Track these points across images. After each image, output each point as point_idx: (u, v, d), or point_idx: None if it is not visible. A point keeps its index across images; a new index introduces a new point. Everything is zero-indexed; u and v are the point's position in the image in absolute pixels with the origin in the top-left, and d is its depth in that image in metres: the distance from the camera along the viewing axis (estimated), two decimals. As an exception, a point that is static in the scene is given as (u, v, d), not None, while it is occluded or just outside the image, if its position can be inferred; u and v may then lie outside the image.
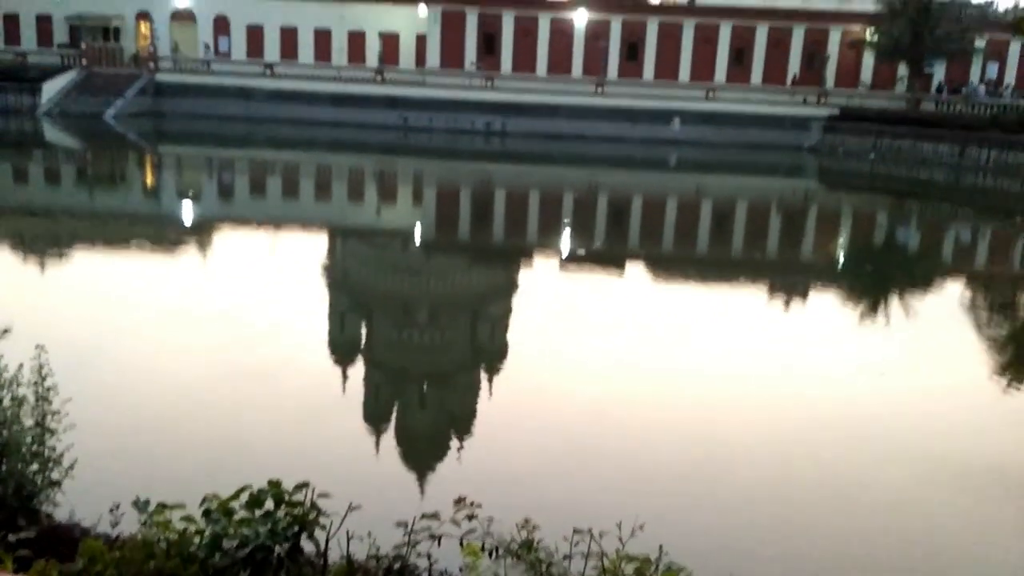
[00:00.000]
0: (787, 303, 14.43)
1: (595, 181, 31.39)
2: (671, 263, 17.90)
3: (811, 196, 31.16)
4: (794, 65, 46.40)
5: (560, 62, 46.30)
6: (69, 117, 38.83)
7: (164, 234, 17.77)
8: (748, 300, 14.48)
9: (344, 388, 9.12)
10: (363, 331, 11.89)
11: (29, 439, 4.36)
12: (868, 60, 45.08)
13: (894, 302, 15.04)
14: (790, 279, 16.51)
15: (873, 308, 14.19)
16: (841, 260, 19.37)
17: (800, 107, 42.42)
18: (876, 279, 16.94)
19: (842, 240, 22.20)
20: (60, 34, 47.24)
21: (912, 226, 25.30)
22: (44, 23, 47.42)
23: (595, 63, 45.17)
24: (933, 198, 30.91)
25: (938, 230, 24.98)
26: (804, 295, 15.21)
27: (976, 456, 7.99)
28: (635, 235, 21.24)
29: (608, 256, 18.02)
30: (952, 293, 16.22)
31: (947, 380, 10.34)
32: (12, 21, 47.36)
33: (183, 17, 47.67)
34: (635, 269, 17.30)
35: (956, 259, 20.33)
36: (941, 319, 13.52)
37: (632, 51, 46.59)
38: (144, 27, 47.45)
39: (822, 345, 11.57)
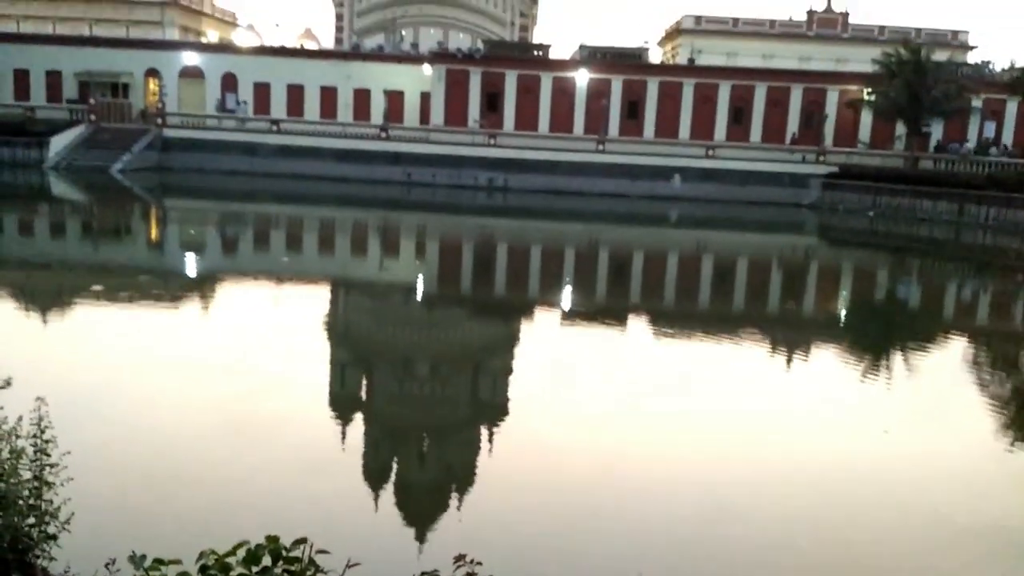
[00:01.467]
0: (789, 359, 14.39)
1: (596, 236, 31.57)
2: (673, 318, 17.89)
3: (812, 252, 31.29)
4: (793, 124, 47.05)
5: (562, 120, 46.96)
6: (76, 171, 39.28)
7: (167, 286, 17.82)
8: (750, 355, 14.44)
9: (344, 442, 9.05)
10: (363, 385, 11.84)
11: (26, 492, 4.32)
12: (866, 119, 45.70)
13: (896, 358, 14.99)
14: (792, 334, 16.49)
15: (875, 364, 14.14)
16: (843, 316, 19.36)
17: (799, 165, 42.93)
18: (878, 335, 16.91)
19: (844, 296, 22.22)
20: (70, 89, 48.03)
21: (913, 283, 25.34)
22: (54, 78, 48.25)
23: (596, 121, 45.80)
24: (934, 255, 31.03)
25: (939, 287, 25.01)
26: (806, 351, 15.18)
27: (981, 515, 7.88)
28: (636, 290, 21.28)
29: (609, 310, 18.03)
30: (955, 350, 16.17)
31: (951, 438, 10.25)
32: (22, 76, 48.19)
33: (191, 74, 48.53)
34: (637, 323, 17.29)
35: (958, 316, 20.31)
36: (944, 376, 13.46)
37: (633, 109, 47.28)
38: (153, 83, 48.29)
39: (825, 401, 11.50)
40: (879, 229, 35.90)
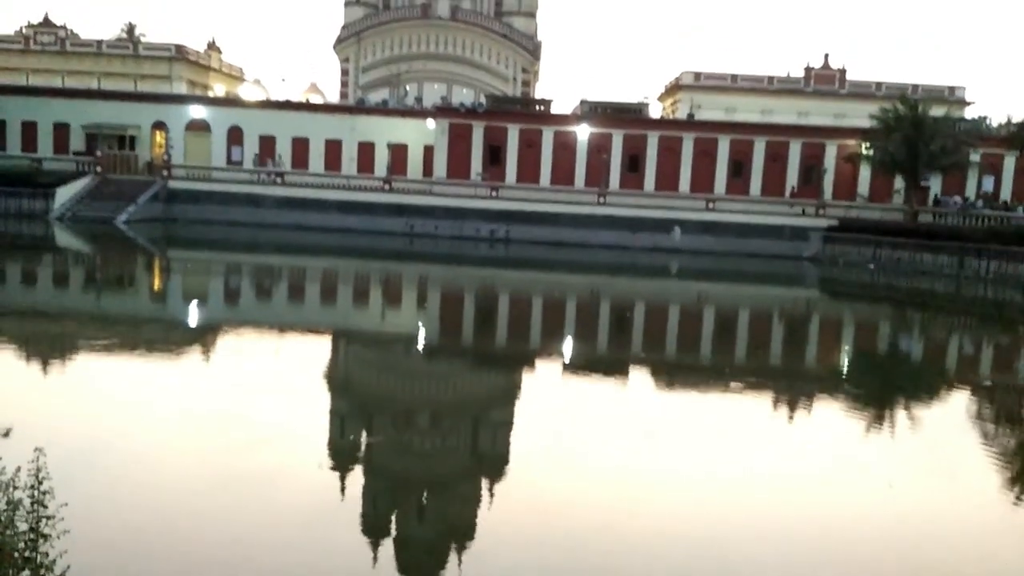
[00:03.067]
0: (792, 412, 14.31)
1: (597, 287, 31.63)
2: (674, 370, 17.83)
3: (814, 305, 31.30)
4: (792, 177, 47.44)
5: (563, 172, 47.40)
6: (80, 222, 39.56)
7: (167, 337, 17.82)
8: (753, 409, 14.36)
9: (343, 495, 8.96)
10: (363, 436, 11.76)
11: (22, 544, 4.28)
12: (865, 173, 46.08)
13: (900, 412, 14.90)
14: (794, 387, 16.41)
15: (879, 418, 14.05)
16: (846, 369, 19.29)
17: (799, 218, 43.18)
18: (882, 388, 16.82)
19: (846, 349, 22.17)
20: (77, 141, 48.60)
21: (915, 336, 25.30)
22: (61, 130, 48.85)
23: (597, 174, 46.23)
24: (935, 308, 31.02)
25: (942, 340, 24.96)
26: (809, 404, 15.10)
27: (988, 571, 7.76)
28: (638, 342, 21.25)
29: (611, 363, 17.98)
30: (958, 404, 16.07)
31: (956, 492, 10.14)
32: (30, 128, 48.80)
33: (198, 127, 49.16)
34: (638, 376, 17.23)
35: (961, 369, 20.23)
36: (948, 430, 13.37)
37: (633, 163, 47.75)
38: (160, 136, 48.88)
39: (828, 454, 11.40)
40: (880, 282, 35.96)
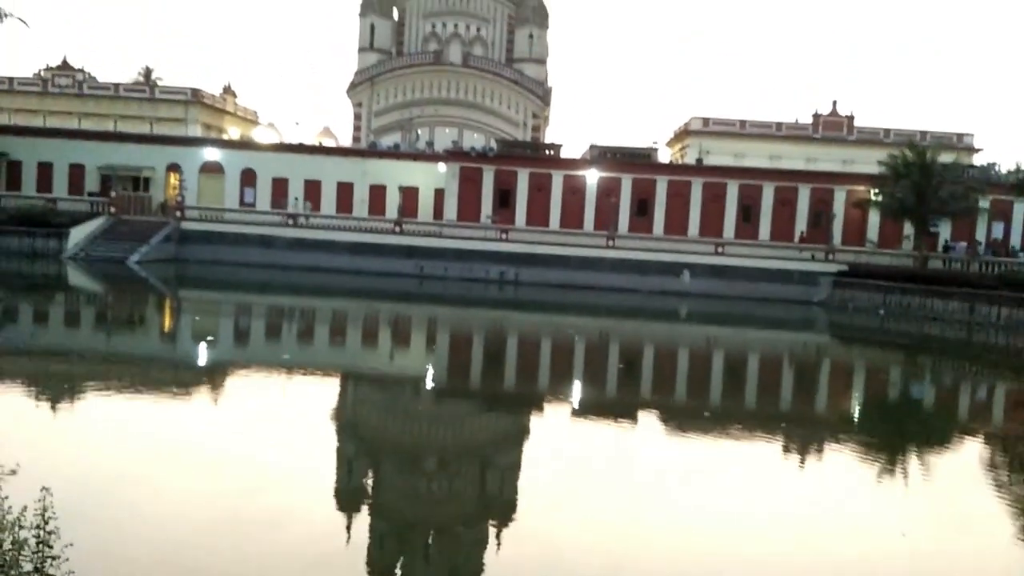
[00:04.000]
0: (803, 458, 14.17)
1: (606, 330, 31.58)
2: (684, 414, 17.71)
3: (824, 350, 31.14)
4: (801, 222, 47.52)
5: (572, 216, 47.65)
6: (93, 262, 39.88)
7: (176, 377, 17.84)
8: (763, 454, 14.23)
9: (349, 538, 8.90)
10: (370, 479, 11.70)
11: (26, 585, 4.27)
12: (874, 218, 46.16)
13: (912, 459, 14.74)
14: (805, 433, 16.27)
15: (891, 465, 13.90)
16: (857, 415, 19.12)
17: (808, 263, 43.18)
18: (893, 436, 16.66)
19: (857, 395, 22.00)
20: (92, 182, 49.19)
21: (927, 382, 25.10)
22: (77, 171, 49.48)
23: (606, 217, 46.44)
24: (946, 355, 30.82)
25: (953, 387, 24.76)
26: (820, 450, 14.95)
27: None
28: (647, 385, 21.14)
29: (620, 406, 17.88)
30: (971, 451, 15.89)
31: (969, 541, 9.99)
32: (46, 169, 49.45)
33: (211, 169, 49.74)
34: (647, 419, 17.12)
35: (973, 416, 20.04)
36: (960, 477, 13.21)
37: (642, 206, 47.97)
38: (174, 177, 49.45)
39: (840, 502, 11.27)
40: (890, 328, 35.79)
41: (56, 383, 16.20)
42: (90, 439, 12.18)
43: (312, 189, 49.42)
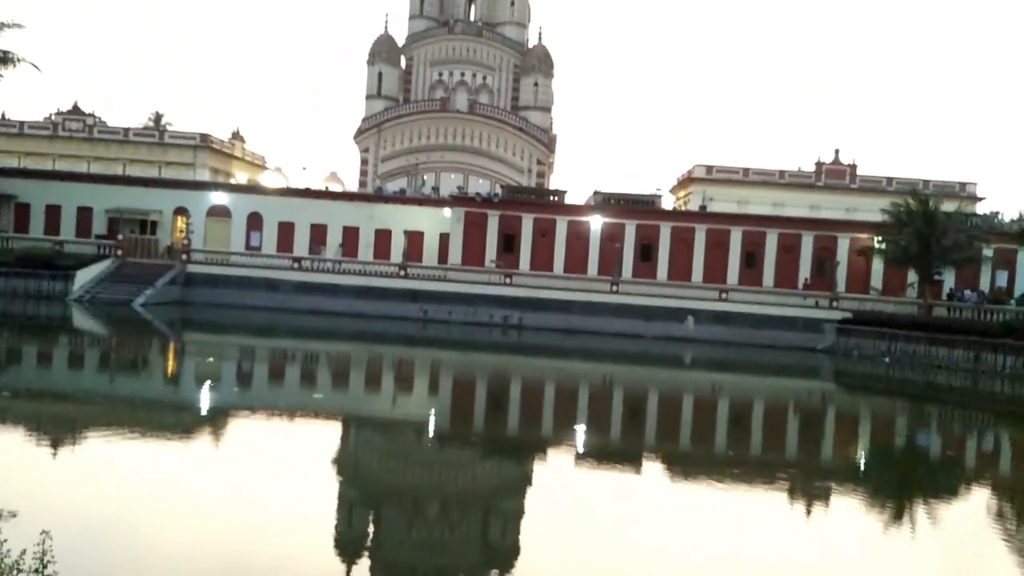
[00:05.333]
0: (808, 509, 14.02)
1: (610, 376, 31.48)
2: (688, 462, 17.58)
3: (829, 398, 30.96)
4: (805, 269, 47.58)
5: (576, 261, 47.79)
6: (98, 304, 39.98)
7: (179, 420, 17.79)
8: (767, 504, 14.09)
9: (349, 585, 8.79)
10: (371, 525, 11.59)
11: (24, 630, 4.23)
12: (877, 266, 46.18)
13: (919, 509, 14.57)
14: (811, 483, 16.12)
15: (898, 515, 13.74)
16: (862, 465, 18.96)
17: (812, 310, 43.12)
18: (899, 486, 16.50)
19: (863, 444, 21.83)
20: (99, 225, 49.50)
21: (933, 431, 24.91)
22: (84, 214, 49.82)
23: (610, 262, 46.56)
24: (952, 403, 30.62)
25: (960, 436, 24.56)
26: (826, 500, 14.80)
27: None
28: (651, 432, 21.01)
29: (623, 453, 17.76)
30: (978, 501, 15.72)
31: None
32: (54, 211, 49.80)
33: (219, 212, 50.09)
34: (651, 467, 16.99)
35: (980, 466, 19.86)
36: (968, 528, 13.05)
37: (646, 252, 48.12)
38: (181, 221, 49.76)
39: (845, 553, 11.13)
40: (895, 375, 35.61)
41: (57, 426, 16.16)
42: (90, 482, 12.12)
43: (318, 233, 49.71)
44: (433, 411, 22.32)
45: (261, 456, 14.74)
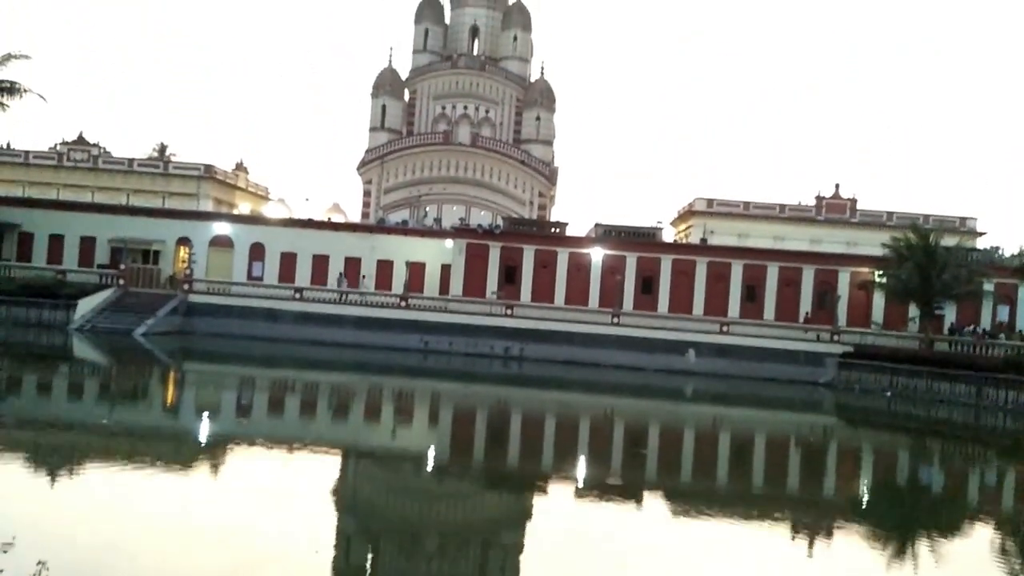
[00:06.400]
0: (811, 544, 13.91)
1: (611, 409, 31.37)
2: (689, 496, 17.46)
3: (831, 432, 30.83)
4: (806, 303, 47.59)
5: (577, 293, 47.85)
6: (99, 333, 39.99)
7: (177, 451, 17.73)
8: (769, 540, 13.98)
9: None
10: (369, 558, 11.51)
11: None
12: (878, 300, 46.18)
13: (922, 544, 14.45)
14: (813, 519, 16.01)
15: (901, 551, 13.63)
16: (865, 499, 18.83)
17: (814, 343, 43.08)
18: (903, 522, 16.38)
19: (865, 478, 21.70)
20: (102, 255, 49.68)
21: (936, 466, 24.77)
22: (87, 244, 50.01)
23: (611, 295, 46.61)
24: (954, 438, 30.47)
25: (962, 471, 24.42)
26: (828, 536, 14.69)
27: None
28: (652, 465, 20.90)
29: (624, 487, 17.66)
30: (981, 537, 15.60)
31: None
32: (57, 241, 50.01)
33: (221, 243, 50.29)
34: (652, 501, 16.88)
35: (983, 501, 19.72)
36: (971, 564, 12.93)
37: (647, 285, 48.18)
38: (183, 251, 49.95)
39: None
40: (897, 410, 35.47)
41: (55, 455, 16.10)
42: (87, 513, 12.05)
43: (320, 264, 49.84)
44: (433, 443, 22.23)
45: (259, 488, 14.67)
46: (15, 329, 39.52)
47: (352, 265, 49.85)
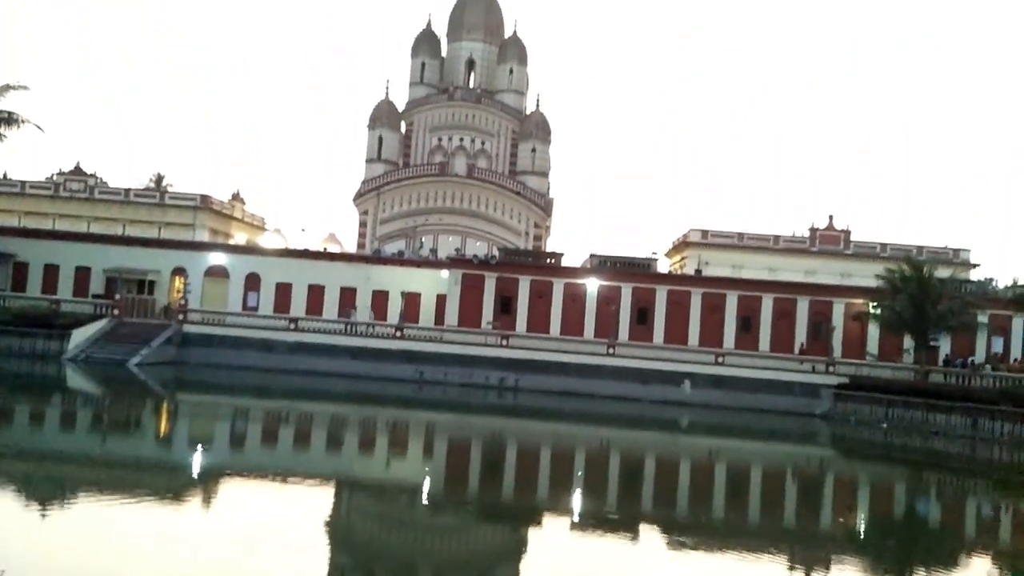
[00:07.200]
0: (807, 576, 13.82)
1: (606, 440, 31.26)
2: (686, 529, 17.36)
3: (827, 464, 30.74)
4: (801, 334, 47.60)
5: (573, 323, 47.83)
6: (93, 363, 39.82)
7: (170, 482, 17.60)
8: (767, 572, 13.89)
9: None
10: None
11: None
12: (873, 331, 46.20)
13: (919, 579, 14.37)
14: (810, 552, 15.91)
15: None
16: (862, 532, 18.74)
17: (809, 374, 43.03)
18: (900, 555, 16.29)
19: (862, 511, 21.61)
20: (97, 284, 49.57)
21: (932, 499, 24.69)
22: (82, 274, 49.90)
23: (606, 325, 46.62)
24: (950, 470, 30.39)
25: (959, 504, 24.33)
26: (826, 568, 14.60)
27: None
28: (648, 498, 20.79)
29: (620, 520, 17.55)
30: (978, 570, 15.51)
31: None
32: (52, 271, 49.87)
33: (217, 273, 50.28)
34: (648, 534, 16.77)
35: (980, 534, 19.64)
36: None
37: (642, 315, 48.20)
38: (179, 281, 49.89)
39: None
40: (894, 442, 35.39)
41: (46, 486, 15.98)
42: (78, 544, 11.94)
43: (315, 294, 49.80)
44: (427, 474, 22.11)
45: (251, 519, 14.56)
46: (8, 359, 39.33)
47: (347, 295, 49.82)
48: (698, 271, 54.77)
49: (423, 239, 62.67)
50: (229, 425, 28.88)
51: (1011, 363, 43.81)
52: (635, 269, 50.09)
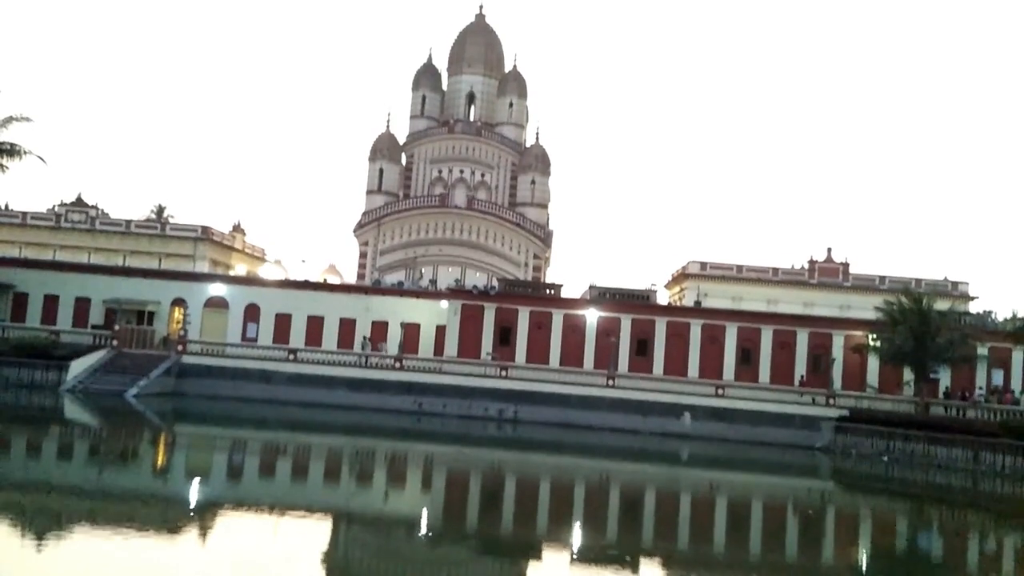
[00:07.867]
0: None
1: (606, 473, 31.07)
2: (687, 564, 17.22)
3: (828, 498, 30.54)
4: (800, 366, 47.51)
5: (572, 355, 47.75)
6: (91, 394, 39.70)
7: (165, 515, 17.48)
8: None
9: None
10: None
11: None
12: (873, 364, 46.13)
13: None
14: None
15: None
16: (864, 567, 18.58)
17: (809, 407, 42.92)
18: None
19: (864, 545, 21.43)
20: (96, 315, 49.54)
21: (934, 533, 24.50)
22: (82, 304, 49.90)
23: (606, 357, 46.54)
24: (952, 504, 30.19)
25: (961, 538, 24.14)
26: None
27: None
28: (649, 532, 20.63)
29: (621, 554, 17.41)
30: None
31: None
32: (51, 301, 49.86)
33: (216, 304, 50.29)
34: (649, 569, 16.63)
35: (982, 570, 19.46)
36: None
37: (642, 347, 48.14)
38: (178, 312, 49.88)
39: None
40: (894, 475, 35.19)
41: (42, 519, 15.86)
42: (74, 579, 11.84)
43: (314, 325, 49.76)
44: (425, 508, 21.95)
45: (248, 552, 14.44)
46: (7, 390, 39.23)
47: (346, 325, 49.78)
48: (697, 303, 54.80)
49: (423, 270, 62.81)
50: (227, 457, 28.72)
51: (1005, 396, 43.73)
52: (634, 300, 50.12)
